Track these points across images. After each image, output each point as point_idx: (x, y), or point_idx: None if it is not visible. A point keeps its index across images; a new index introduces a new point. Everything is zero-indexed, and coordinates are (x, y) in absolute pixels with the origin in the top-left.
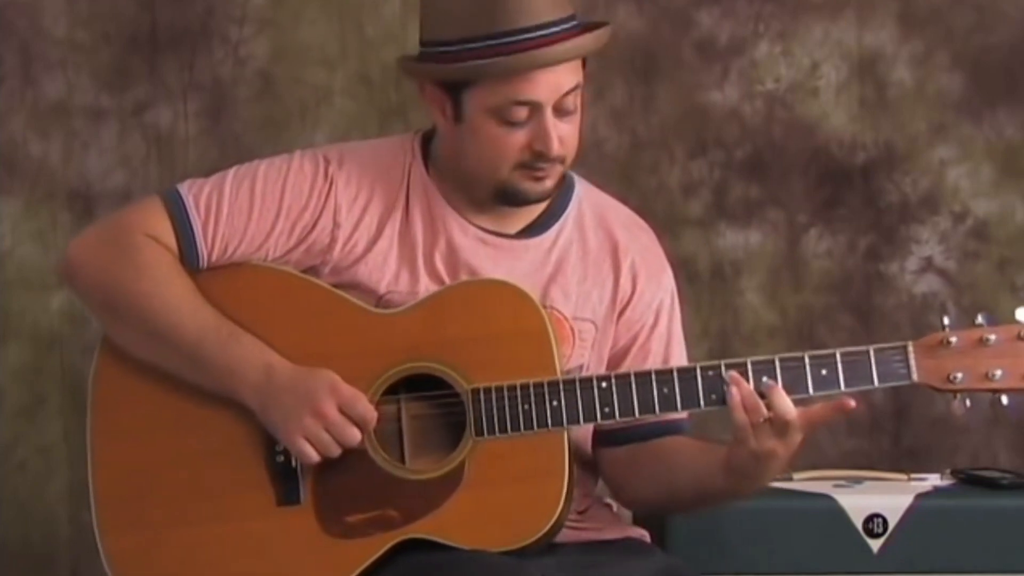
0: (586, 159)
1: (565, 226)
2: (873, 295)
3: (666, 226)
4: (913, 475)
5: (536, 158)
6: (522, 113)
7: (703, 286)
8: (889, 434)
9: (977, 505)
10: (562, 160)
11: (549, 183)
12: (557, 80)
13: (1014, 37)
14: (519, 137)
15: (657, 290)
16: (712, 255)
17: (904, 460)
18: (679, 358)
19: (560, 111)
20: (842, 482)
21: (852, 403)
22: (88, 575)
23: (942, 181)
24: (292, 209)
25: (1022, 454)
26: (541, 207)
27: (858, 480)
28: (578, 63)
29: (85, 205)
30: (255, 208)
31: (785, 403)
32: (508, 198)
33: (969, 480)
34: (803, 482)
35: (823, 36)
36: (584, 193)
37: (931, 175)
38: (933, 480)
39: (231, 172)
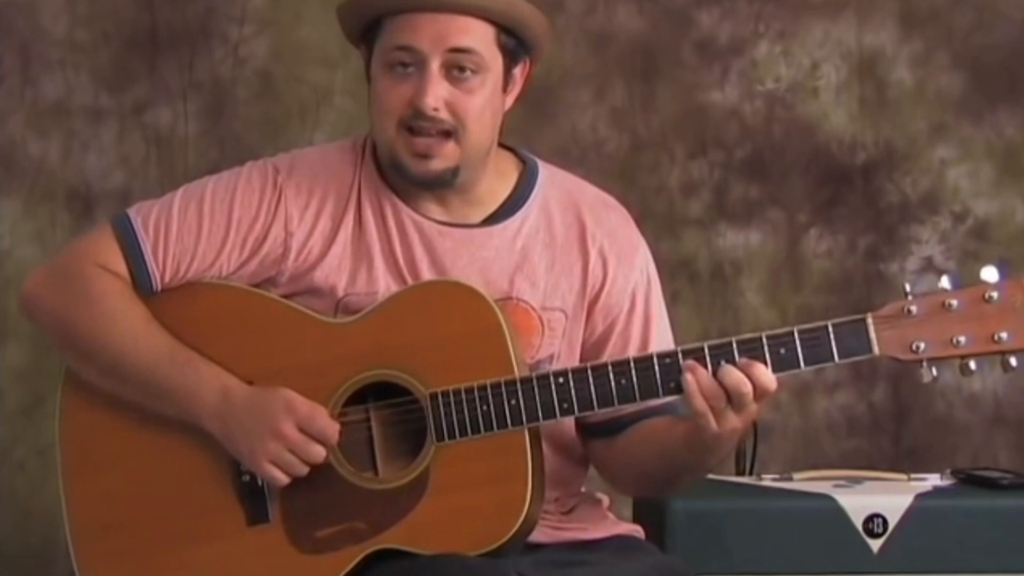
0: (586, 159)
1: (530, 212)
2: (873, 295)
3: (666, 226)
4: (913, 475)
5: (415, 115)
6: (403, 57)
7: (703, 286)
8: (889, 434)
9: (977, 505)
10: (450, 131)
11: (434, 164)
12: (440, 29)
13: (1014, 37)
14: (403, 90)
15: (630, 272)
16: (712, 255)
17: (904, 460)
18: (661, 338)
19: (451, 70)
20: (842, 482)
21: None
22: None
23: (942, 181)
24: (242, 222)
25: (1022, 454)
26: (501, 196)
27: (858, 480)
28: (480, 31)
29: (84, 205)
30: (204, 225)
31: (735, 376)
32: (401, 172)
33: (969, 480)
34: (803, 482)
35: (823, 36)
36: (548, 177)
37: (931, 175)
38: (933, 480)
39: (180, 191)
